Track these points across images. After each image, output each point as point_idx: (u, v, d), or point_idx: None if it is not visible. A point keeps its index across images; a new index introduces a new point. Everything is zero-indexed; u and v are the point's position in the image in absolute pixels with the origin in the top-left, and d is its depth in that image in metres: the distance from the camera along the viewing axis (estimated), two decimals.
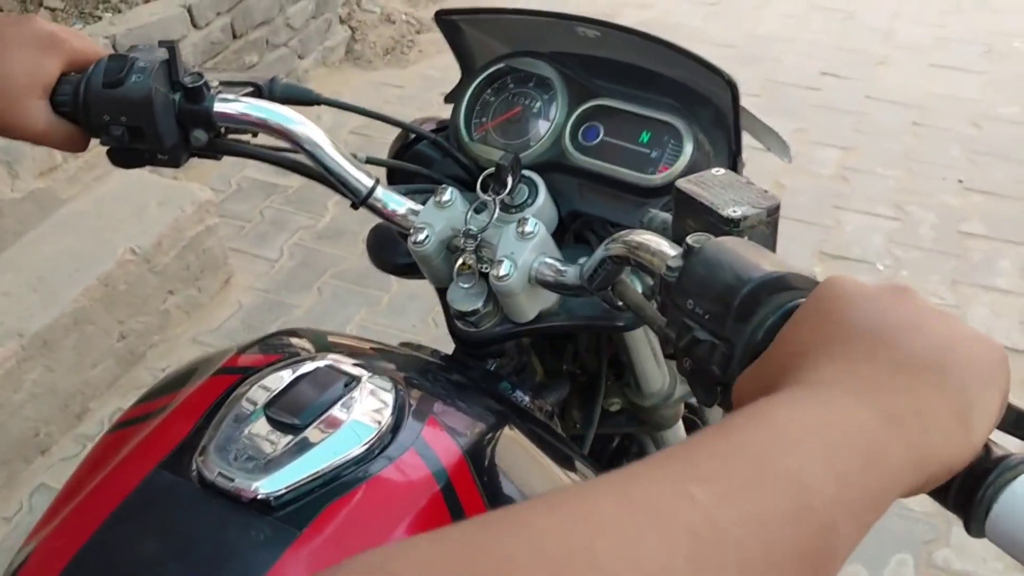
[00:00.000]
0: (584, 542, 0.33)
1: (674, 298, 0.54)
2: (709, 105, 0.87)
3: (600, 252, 0.69)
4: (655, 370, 1.05)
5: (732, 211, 0.58)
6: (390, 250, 0.94)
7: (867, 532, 0.40)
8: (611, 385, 1.11)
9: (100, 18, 2.90)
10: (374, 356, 0.86)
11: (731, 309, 0.50)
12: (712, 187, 0.60)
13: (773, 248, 0.59)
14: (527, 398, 0.92)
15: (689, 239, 0.54)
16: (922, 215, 2.91)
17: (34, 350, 1.98)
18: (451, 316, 0.86)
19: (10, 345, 1.94)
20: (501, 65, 0.95)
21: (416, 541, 0.33)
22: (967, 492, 0.44)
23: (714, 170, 0.63)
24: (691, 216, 0.60)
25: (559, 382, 1.03)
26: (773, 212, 0.59)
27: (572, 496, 0.37)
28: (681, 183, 0.61)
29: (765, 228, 0.59)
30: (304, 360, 0.74)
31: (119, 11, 2.95)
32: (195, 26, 2.95)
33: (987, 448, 0.45)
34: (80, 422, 2.13)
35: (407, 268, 0.90)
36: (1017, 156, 3.20)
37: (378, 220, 0.88)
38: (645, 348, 1.02)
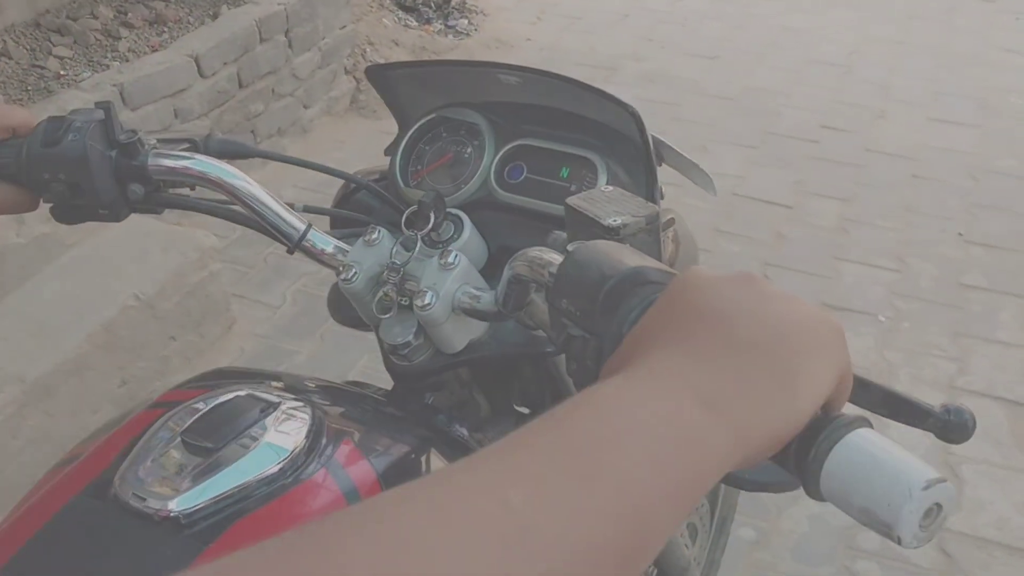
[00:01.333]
0: (390, 566, 0.32)
1: (552, 299, 0.57)
2: (626, 140, 0.92)
3: (507, 272, 0.72)
4: None
5: (612, 220, 0.62)
6: (347, 304, 0.96)
7: (686, 516, 0.40)
8: None
9: (108, 67, 2.94)
10: (302, 388, 0.88)
11: (598, 304, 0.53)
12: (598, 202, 0.65)
13: (658, 255, 0.62)
14: (465, 431, 0.94)
15: (568, 246, 0.58)
16: (922, 267, 2.92)
17: (34, 396, 1.97)
18: (385, 352, 0.89)
19: (10, 391, 1.92)
20: (433, 116, 1.00)
21: (217, 566, 0.32)
22: (803, 453, 0.45)
23: (602, 187, 0.68)
24: (580, 229, 0.64)
25: (503, 418, 1.05)
26: (652, 220, 0.63)
27: (382, 509, 0.35)
28: (570, 200, 0.66)
29: (647, 235, 0.62)
30: (225, 391, 0.77)
31: (127, 60, 2.99)
32: (202, 75, 2.97)
33: (825, 412, 0.46)
34: None
35: (362, 321, 0.92)
36: (1015, 208, 3.21)
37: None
38: None
